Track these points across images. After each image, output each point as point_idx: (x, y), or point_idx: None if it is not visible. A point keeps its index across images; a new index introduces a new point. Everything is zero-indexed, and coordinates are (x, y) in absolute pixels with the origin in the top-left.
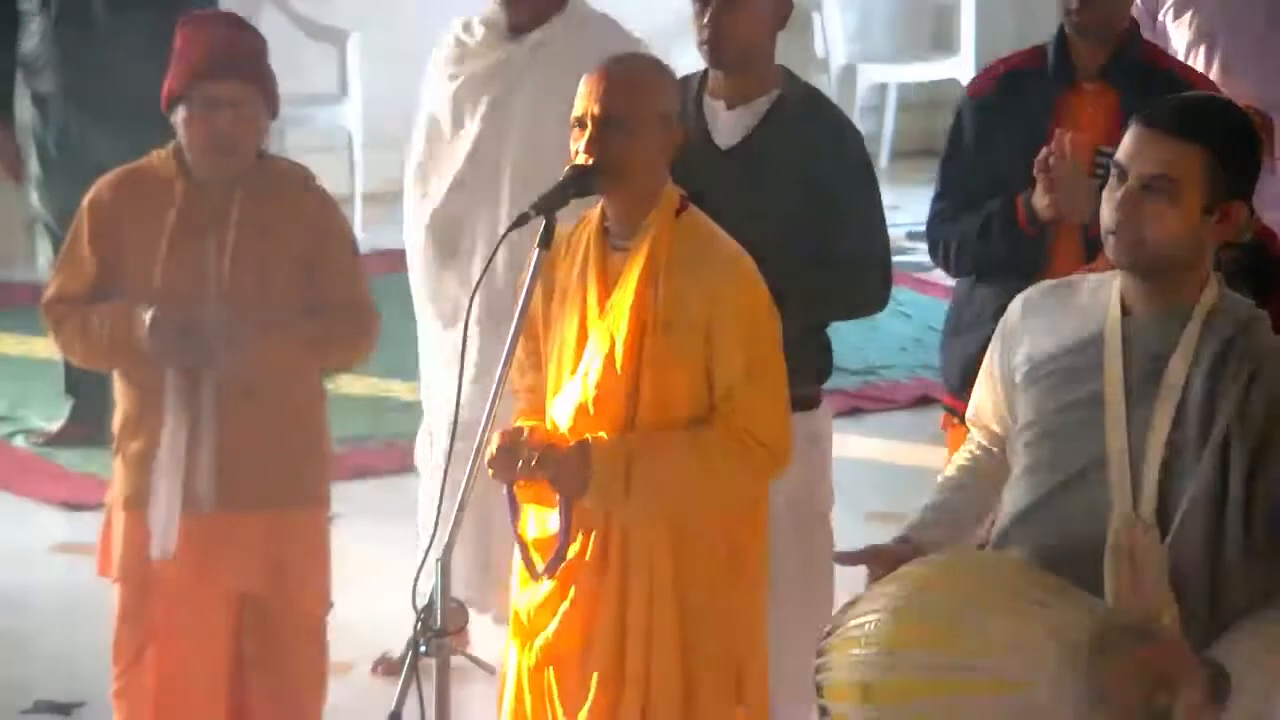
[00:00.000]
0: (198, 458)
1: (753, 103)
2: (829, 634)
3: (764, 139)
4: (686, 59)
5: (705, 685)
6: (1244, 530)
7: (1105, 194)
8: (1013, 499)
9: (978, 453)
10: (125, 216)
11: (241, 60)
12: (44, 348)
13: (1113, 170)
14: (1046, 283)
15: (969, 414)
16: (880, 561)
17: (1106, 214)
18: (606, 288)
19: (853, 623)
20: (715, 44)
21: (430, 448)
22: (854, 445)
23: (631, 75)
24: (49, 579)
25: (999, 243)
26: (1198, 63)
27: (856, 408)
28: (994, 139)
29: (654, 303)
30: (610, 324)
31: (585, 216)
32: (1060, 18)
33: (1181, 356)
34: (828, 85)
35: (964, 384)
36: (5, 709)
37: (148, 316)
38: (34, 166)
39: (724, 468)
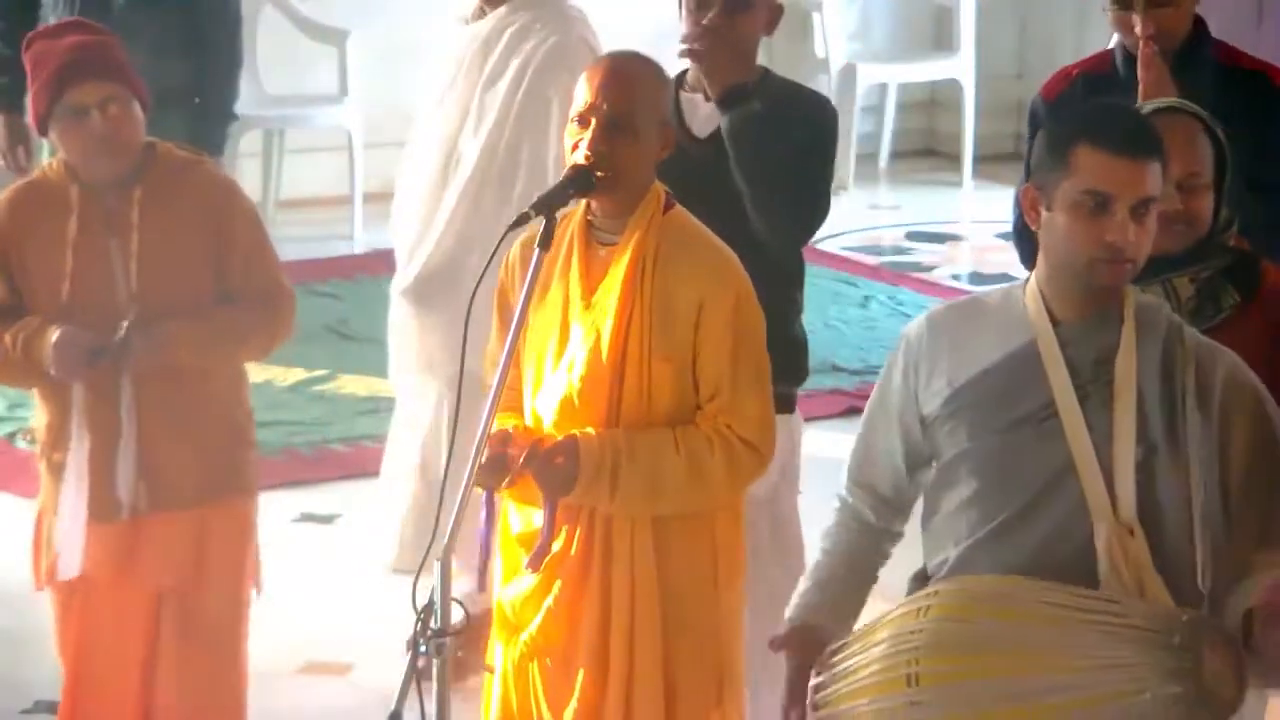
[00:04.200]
0: (117, 467)
1: None
2: (824, 685)
3: None
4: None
5: (686, 685)
6: (1224, 511)
7: (1083, 224)
8: (964, 527)
9: (852, 527)
10: (26, 231)
11: (96, 61)
12: None
13: (1088, 199)
14: (947, 305)
15: (853, 474)
16: (802, 650)
17: (1090, 245)
18: (590, 283)
19: (867, 670)
20: (715, 45)
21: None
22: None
23: (636, 76)
24: None
25: None
26: None
27: (856, 408)
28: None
29: (641, 298)
30: (596, 319)
31: (567, 213)
32: (1124, 39)
33: (1125, 355)
34: (828, 85)
35: None
36: (5, 709)
37: (53, 338)
38: (43, 161)
39: (709, 466)
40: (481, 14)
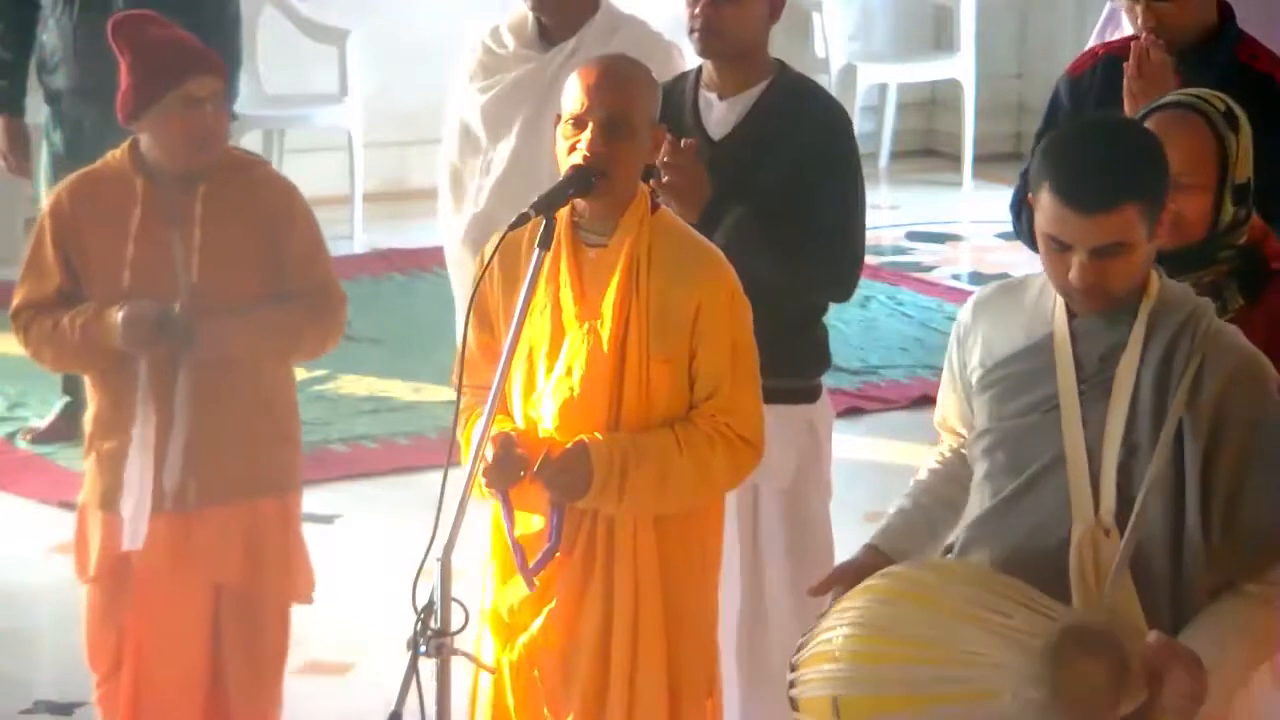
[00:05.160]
0: (168, 454)
1: (744, 93)
2: (800, 648)
3: (753, 127)
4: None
5: (686, 679)
6: (1202, 523)
7: (1052, 259)
8: (973, 505)
9: (949, 455)
10: (87, 219)
11: (210, 56)
12: None
13: (1050, 240)
14: (996, 284)
15: (936, 418)
16: (848, 580)
17: (1059, 277)
18: (583, 286)
19: (821, 637)
20: (707, 34)
21: None
22: (853, 445)
23: (630, 78)
24: (49, 579)
25: None
26: None
27: (856, 408)
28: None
29: (638, 301)
30: (593, 322)
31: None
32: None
33: (1129, 355)
34: (828, 85)
35: None
36: (5, 709)
37: (121, 312)
38: (43, 164)
39: (711, 463)
40: (543, 35)
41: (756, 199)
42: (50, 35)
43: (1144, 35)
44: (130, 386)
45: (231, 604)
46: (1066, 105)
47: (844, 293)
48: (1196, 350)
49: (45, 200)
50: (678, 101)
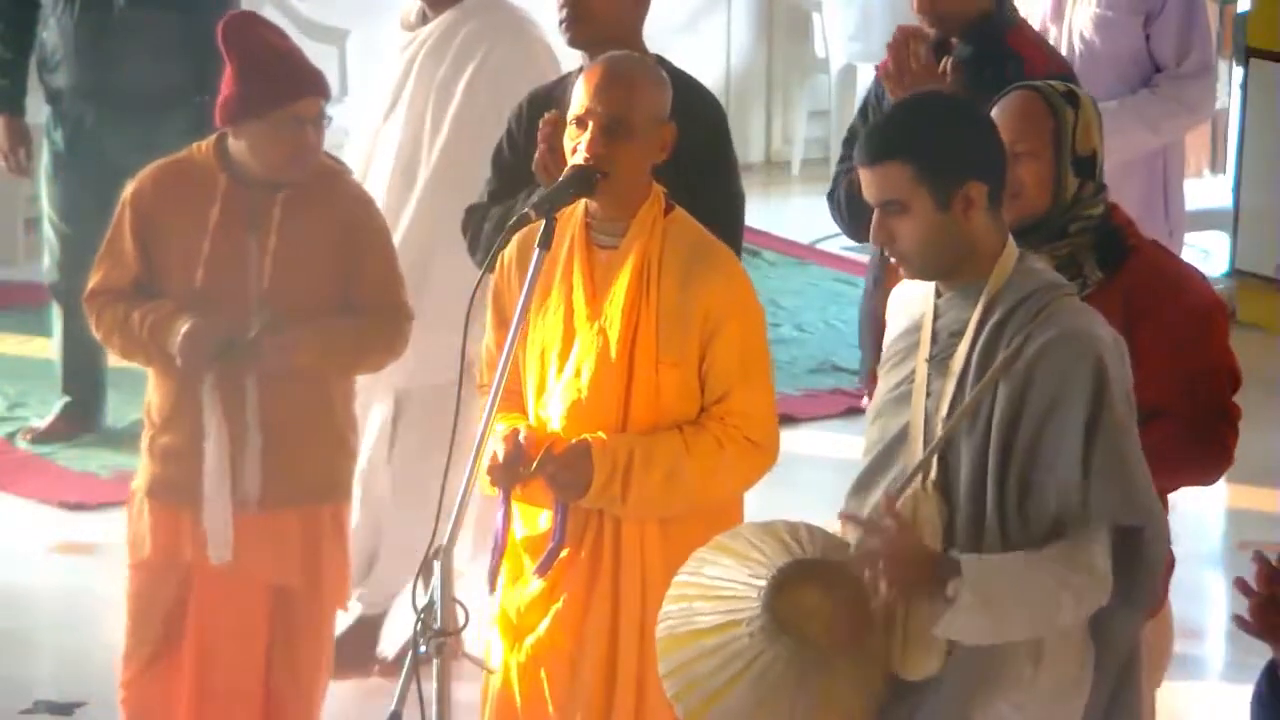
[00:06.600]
0: (242, 461)
1: None
2: None
3: None
4: (684, 57)
5: None
6: (1000, 495)
7: None
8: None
9: None
10: (168, 210)
11: (319, 78)
12: (44, 348)
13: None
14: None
15: None
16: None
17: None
18: (595, 287)
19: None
20: (573, 22)
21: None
22: (853, 445)
23: (632, 78)
24: (49, 579)
25: None
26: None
27: (856, 408)
28: (888, 101)
29: (648, 304)
30: (602, 324)
31: (562, 214)
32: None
33: (968, 336)
34: (828, 85)
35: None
36: (5, 709)
37: (182, 330)
38: (43, 163)
39: (719, 467)
40: (423, 19)
41: None
42: (51, 34)
43: (918, 20)
44: (194, 386)
45: (283, 607)
46: (873, 94)
47: None
48: (1026, 325)
49: (45, 199)
50: (559, 100)
